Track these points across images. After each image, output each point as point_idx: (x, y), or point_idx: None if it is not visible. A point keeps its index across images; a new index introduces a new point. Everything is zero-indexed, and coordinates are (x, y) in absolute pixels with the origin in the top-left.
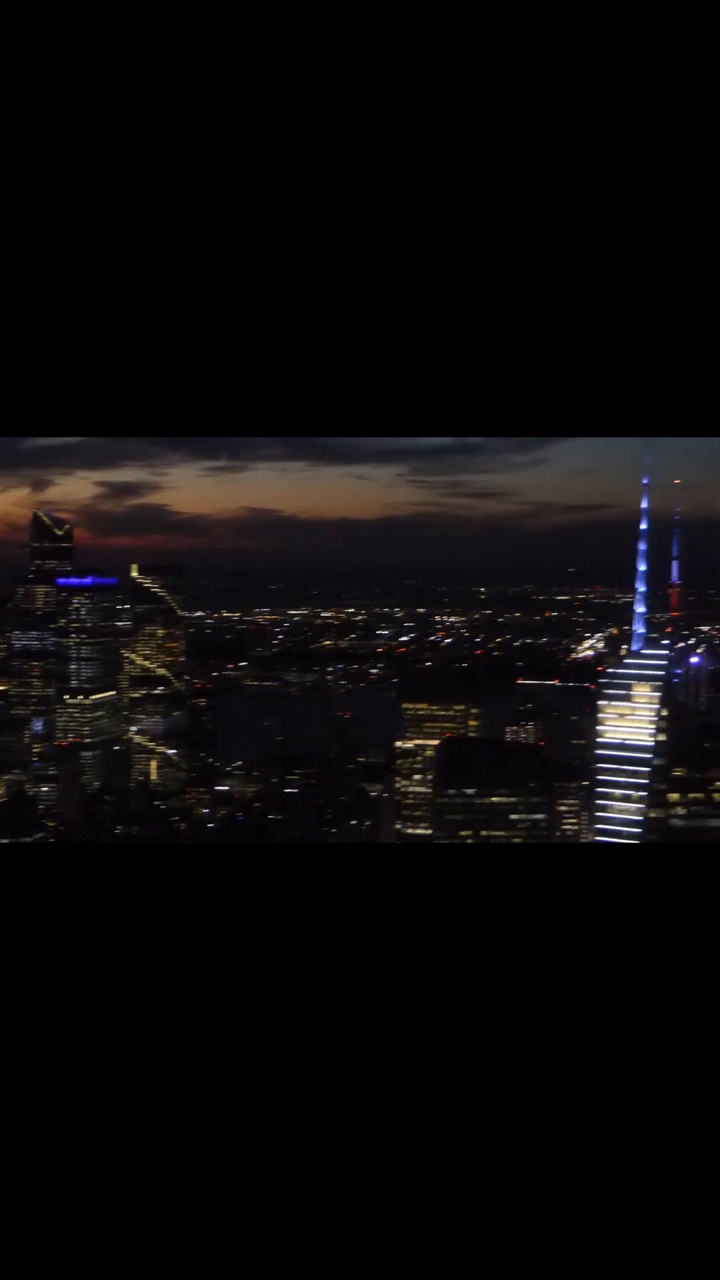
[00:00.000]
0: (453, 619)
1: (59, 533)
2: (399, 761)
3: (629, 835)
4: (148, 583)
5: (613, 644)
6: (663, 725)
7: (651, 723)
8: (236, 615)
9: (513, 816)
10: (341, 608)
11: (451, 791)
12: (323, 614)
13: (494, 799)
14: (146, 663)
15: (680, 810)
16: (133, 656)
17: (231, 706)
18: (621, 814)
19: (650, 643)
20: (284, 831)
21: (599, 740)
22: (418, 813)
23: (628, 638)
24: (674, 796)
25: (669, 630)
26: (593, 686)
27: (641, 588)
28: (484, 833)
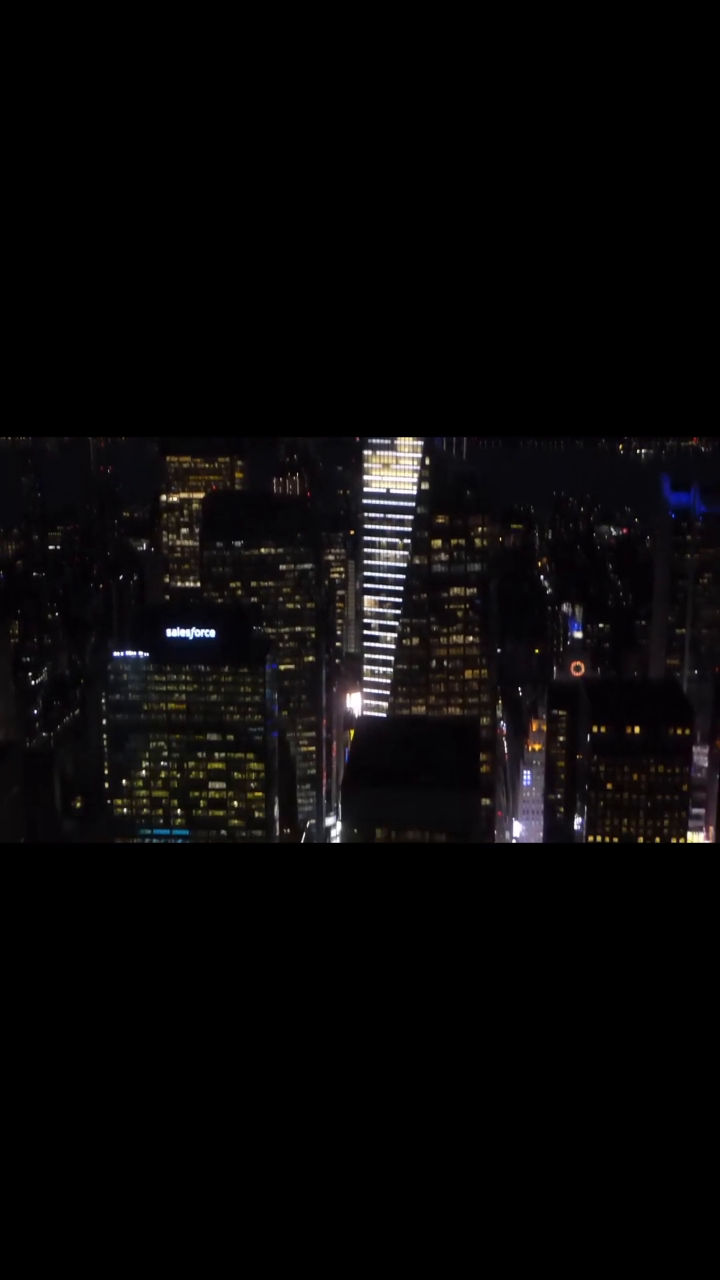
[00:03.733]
0: None
1: None
2: (164, 516)
3: (394, 582)
4: None
5: None
6: (425, 474)
7: (414, 471)
8: None
9: (281, 568)
10: None
11: (219, 545)
12: None
13: (262, 551)
14: None
15: (443, 556)
16: None
17: None
18: (387, 561)
19: None
20: (49, 590)
21: (364, 490)
22: (185, 566)
23: None
24: (437, 543)
25: None
26: (357, 437)
27: None
28: (253, 584)
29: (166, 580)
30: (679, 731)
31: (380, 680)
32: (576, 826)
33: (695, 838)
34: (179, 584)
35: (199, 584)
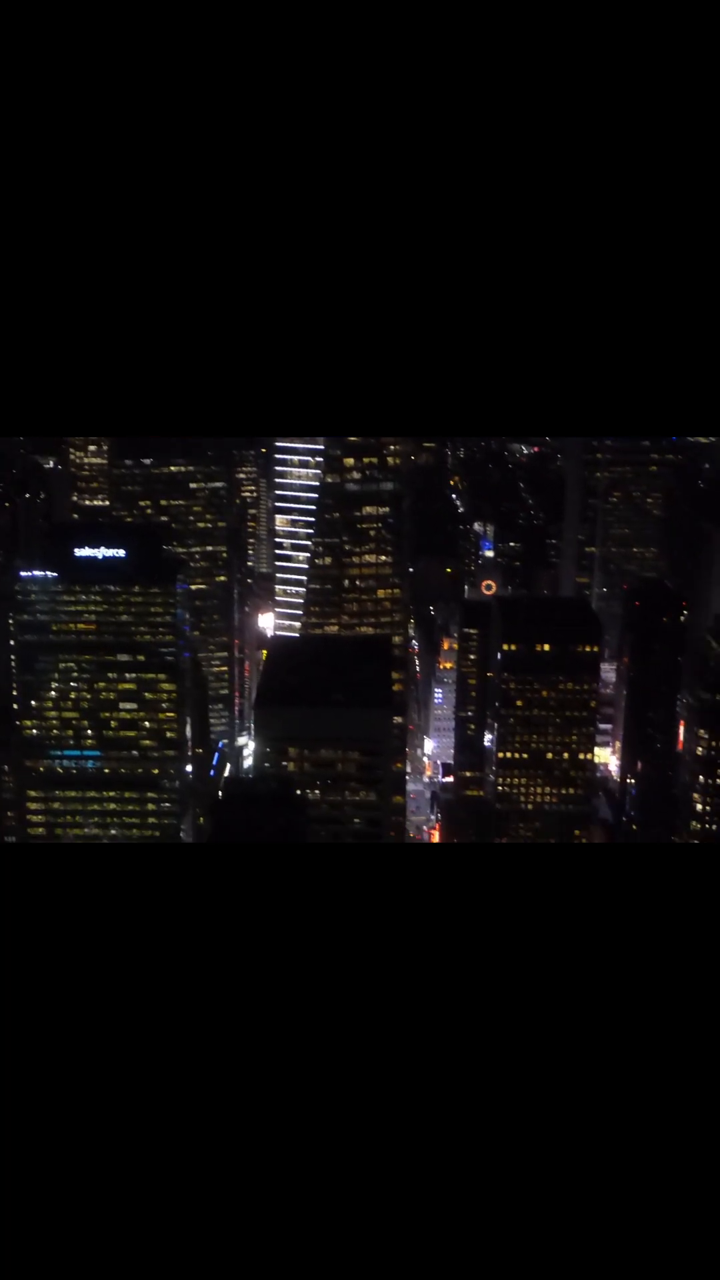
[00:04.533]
0: None
1: None
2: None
3: (306, 500)
4: None
5: None
6: None
7: None
8: None
9: (192, 486)
10: None
11: (128, 462)
12: None
13: (172, 469)
14: None
15: (355, 475)
16: None
17: None
18: (299, 479)
19: None
20: None
21: None
22: (94, 484)
23: None
24: (349, 461)
25: None
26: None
27: None
28: (163, 503)
29: (75, 498)
30: (588, 649)
31: (293, 599)
32: (487, 743)
33: (602, 753)
34: (87, 502)
35: (108, 502)
